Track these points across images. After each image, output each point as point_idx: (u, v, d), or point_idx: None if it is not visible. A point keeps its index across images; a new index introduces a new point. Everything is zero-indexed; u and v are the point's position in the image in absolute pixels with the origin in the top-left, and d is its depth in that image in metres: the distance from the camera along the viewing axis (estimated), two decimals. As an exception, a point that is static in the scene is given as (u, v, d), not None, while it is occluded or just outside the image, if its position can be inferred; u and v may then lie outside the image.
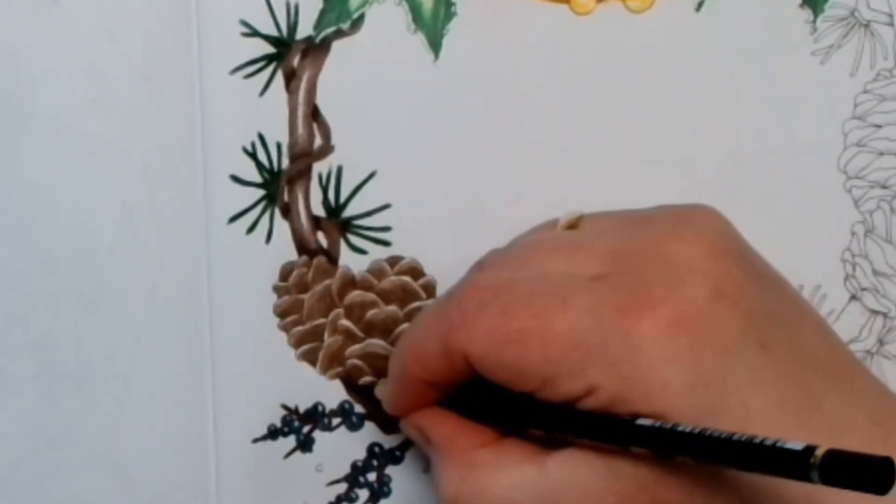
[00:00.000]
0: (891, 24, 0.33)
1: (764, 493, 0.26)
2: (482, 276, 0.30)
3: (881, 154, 0.33)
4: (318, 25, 0.34)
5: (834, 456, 0.22)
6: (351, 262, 0.34)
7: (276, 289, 0.34)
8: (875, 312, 0.34)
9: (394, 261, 0.34)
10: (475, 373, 0.28)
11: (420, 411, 0.31)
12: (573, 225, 0.31)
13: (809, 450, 0.23)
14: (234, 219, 0.34)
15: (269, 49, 0.34)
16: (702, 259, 0.27)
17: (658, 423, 0.25)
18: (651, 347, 0.26)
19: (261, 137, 0.34)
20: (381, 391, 0.33)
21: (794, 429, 0.25)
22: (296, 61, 0.34)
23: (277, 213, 0.34)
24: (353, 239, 0.34)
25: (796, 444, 0.23)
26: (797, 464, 0.23)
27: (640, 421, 0.26)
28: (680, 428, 0.25)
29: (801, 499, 0.25)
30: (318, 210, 0.34)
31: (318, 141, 0.34)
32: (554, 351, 0.27)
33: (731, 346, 0.26)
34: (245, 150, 0.34)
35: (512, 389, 0.28)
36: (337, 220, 0.34)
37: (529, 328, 0.27)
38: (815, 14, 0.33)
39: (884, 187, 0.34)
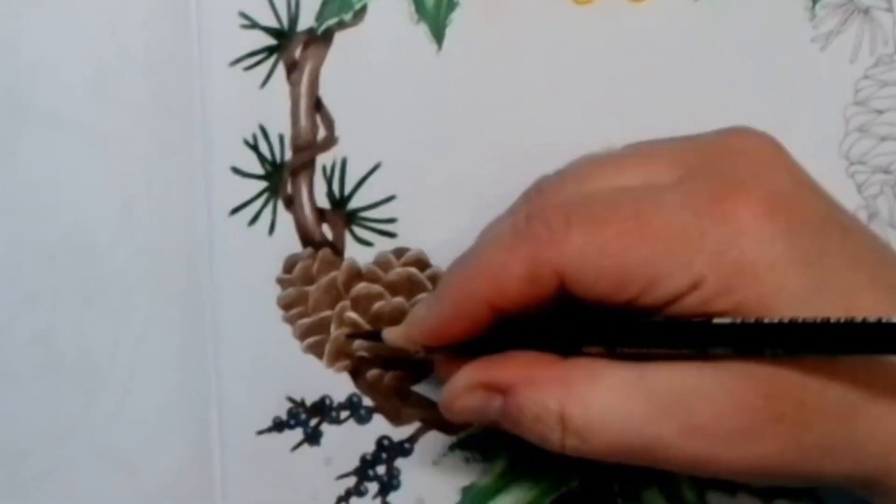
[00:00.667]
0: (890, 10, 0.33)
1: (878, 380, 0.25)
2: (553, 195, 0.28)
3: (883, 139, 0.34)
4: (320, 16, 0.33)
5: None
6: (356, 253, 0.34)
7: (281, 281, 0.34)
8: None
9: (400, 252, 0.34)
10: (559, 294, 0.27)
11: (460, 373, 0.29)
12: None
13: None
14: (235, 211, 0.34)
15: (270, 41, 0.33)
16: (770, 151, 0.28)
17: (740, 320, 0.25)
18: (752, 230, 0.26)
19: (262, 129, 0.34)
20: (405, 329, 0.30)
21: (892, 305, 0.25)
22: (298, 53, 0.33)
23: (280, 205, 0.34)
24: (359, 231, 0.34)
25: None
26: None
27: (717, 320, 0.25)
28: (767, 320, 0.24)
29: None
30: (323, 202, 0.34)
31: (321, 132, 0.34)
32: (656, 249, 0.26)
33: (821, 227, 0.26)
34: (246, 142, 0.34)
35: (608, 303, 0.27)
36: (342, 212, 0.34)
37: (627, 230, 0.26)
38: (814, 0, 0.33)
39: (886, 172, 0.34)
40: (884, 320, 0.23)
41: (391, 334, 0.31)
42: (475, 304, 0.28)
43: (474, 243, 0.30)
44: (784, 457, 0.26)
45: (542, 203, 0.28)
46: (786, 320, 0.24)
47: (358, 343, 0.34)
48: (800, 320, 0.24)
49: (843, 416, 0.25)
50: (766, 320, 0.25)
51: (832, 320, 0.24)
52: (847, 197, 0.34)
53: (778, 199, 0.26)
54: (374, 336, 0.32)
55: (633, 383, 0.26)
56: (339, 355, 0.34)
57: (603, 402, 0.26)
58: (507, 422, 0.28)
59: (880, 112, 0.34)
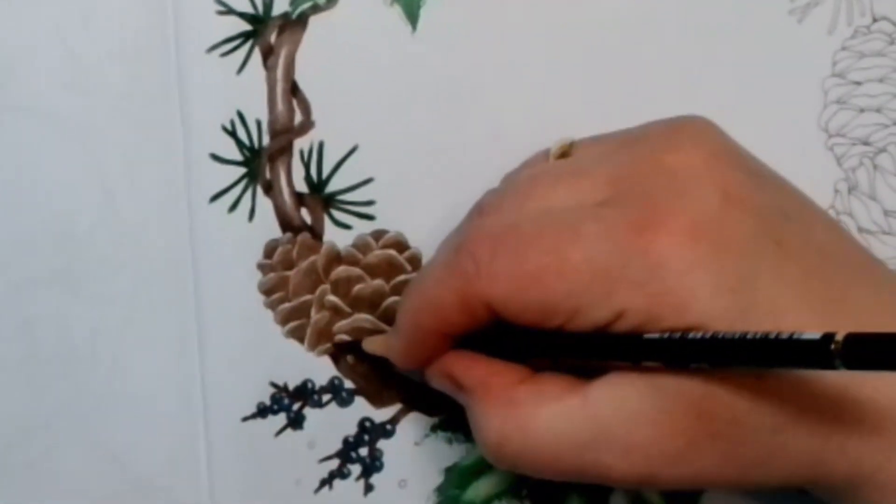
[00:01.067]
0: (867, -19, 0.33)
1: (805, 395, 0.25)
2: (487, 220, 0.29)
3: (862, 111, 0.33)
4: (295, 1, 0.33)
5: (855, 339, 0.21)
6: (335, 237, 0.34)
7: (261, 266, 0.34)
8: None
9: (378, 235, 0.34)
10: (497, 318, 0.28)
11: (446, 357, 0.30)
12: (565, 152, 0.30)
13: (828, 337, 0.22)
14: (215, 197, 0.34)
15: (245, 26, 0.34)
16: (702, 166, 0.27)
17: (667, 334, 0.25)
18: (673, 260, 0.25)
19: (240, 115, 0.34)
20: (384, 347, 0.32)
21: (823, 322, 0.25)
22: (273, 38, 0.33)
23: (259, 190, 0.34)
24: (337, 214, 0.34)
25: (814, 334, 0.22)
26: (818, 353, 0.22)
27: (648, 336, 0.25)
28: (691, 336, 0.25)
29: (841, 395, 0.25)
30: (301, 186, 0.34)
31: (298, 117, 0.34)
32: (575, 283, 0.26)
33: (749, 247, 0.26)
34: (224, 129, 0.34)
35: (541, 327, 0.27)
36: (320, 196, 0.34)
37: (546, 265, 0.27)
38: (792, -26, 0.33)
39: (866, 144, 0.34)
40: (795, 336, 0.23)
41: (370, 345, 0.33)
42: (427, 335, 0.29)
43: (424, 265, 0.31)
44: (721, 471, 0.26)
45: (474, 232, 0.28)
46: (708, 336, 0.24)
47: (338, 326, 0.34)
48: (720, 336, 0.24)
49: (775, 430, 0.26)
50: (690, 336, 0.25)
51: (748, 336, 0.24)
52: (827, 169, 0.34)
53: (702, 223, 0.26)
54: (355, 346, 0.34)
55: (576, 407, 0.27)
56: (320, 339, 0.34)
57: (543, 426, 0.27)
58: (467, 415, 0.29)
59: (858, 84, 0.33)
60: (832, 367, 0.22)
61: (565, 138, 0.31)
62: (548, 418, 0.27)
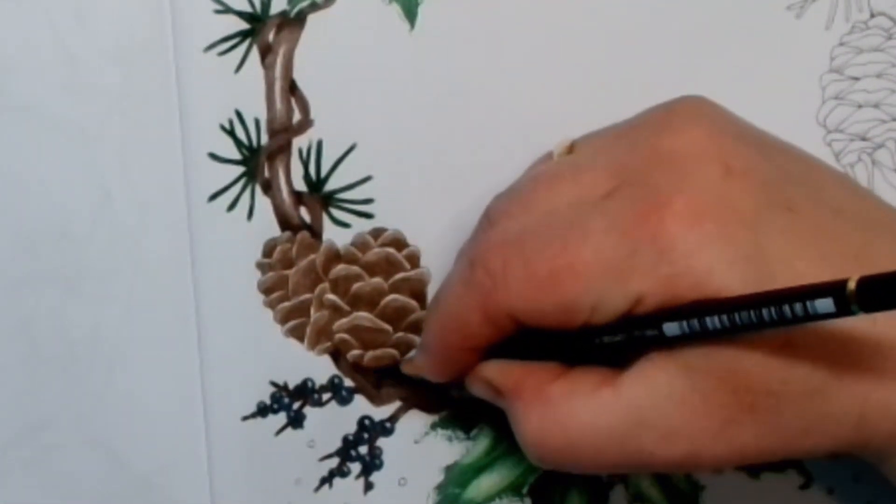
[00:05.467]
0: (864, -23, 0.33)
1: (837, 355, 0.25)
2: (495, 231, 0.29)
3: (860, 106, 0.33)
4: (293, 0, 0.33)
5: (868, 281, 0.21)
6: (334, 235, 0.34)
7: (260, 265, 0.34)
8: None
9: (377, 233, 0.34)
10: (522, 327, 0.28)
11: (482, 365, 0.30)
12: (568, 152, 0.31)
13: (841, 283, 0.22)
14: (214, 197, 0.34)
15: (243, 25, 0.33)
16: (700, 144, 0.27)
17: (679, 307, 0.25)
18: (681, 241, 0.25)
19: (238, 114, 0.34)
20: (416, 367, 0.32)
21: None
22: (271, 36, 0.33)
23: (258, 189, 0.34)
24: (336, 213, 0.34)
25: (827, 283, 0.22)
26: (834, 301, 0.22)
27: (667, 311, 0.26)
28: (706, 301, 0.25)
29: (875, 350, 0.25)
30: (300, 185, 0.34)
31: (296, 115, 0.34)
32: (590, 279, 0.26)
33: (758, 216, 0.26)
34: (223, 128, 0.34)
35: (565, 328, 0.27)
36: (319, 195, 0.34)
37: (559, 267, 0.27)
38: (789, -31, 0.33)
39: (864, 139, 0.34)
40: (807, 288, 0.23)
41: (408, 368, 0.33)
42: (454, 351, 0.30)
43: (445, 279, 0.31)
44: (763, 443, 0.26)
45: (485, 244, 0.29)
46: (722, 300, 0.25)
47: (338, 324, 0.34)
48: (733, 299, 0.24)
49: (812, 395, 0.26)
50: (705, 302, 0.25)
51: (762, 295, 0.24)
52: (825, 165, 0.34)
53: (705, 201, 0.26)
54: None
55: (611, 398, 0.27)
56: (319, 338, 0.34)
57: (581, 420, 0.27)
58: (508, 419, 0.30)
59: (856, 79, 0.33)
60: (850, 312, 0.22)
61: (566, 139, 0.31)
62: (584, 412, 0.27)
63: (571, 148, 0.31)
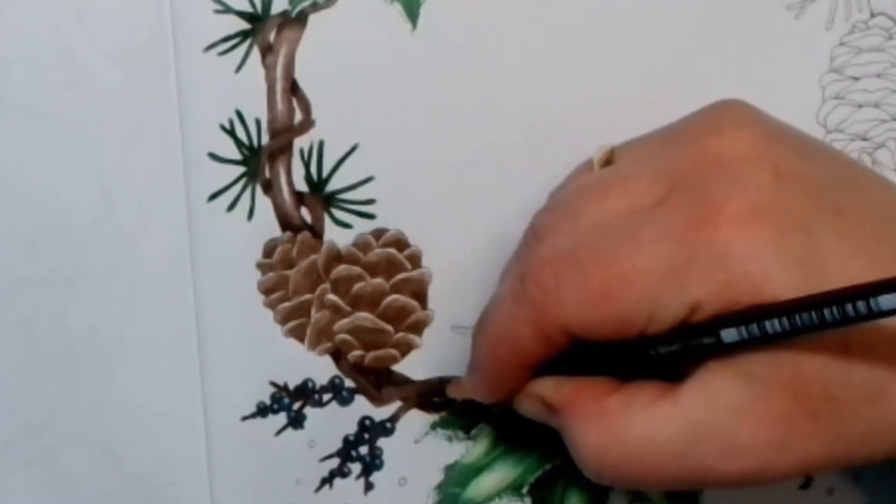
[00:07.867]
0: (864, -23, 0.33)
1: (892, 356, 0.25)
2: (544, 246, 0.29)
3: (860, 106, 0.34)
4: (293, -1, 0.33)
5: None
6: (336, 236, 0.34)
7: (261, 266, 0.34)
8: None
9: (379, 233, 0.34)
10: (575, 341, 0.28)
11: (533, 383, 0.30)
12: (608, 160, 0.30)
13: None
14: (214, 197, 0.34)
15: (244, 25, 0.33)
16: (748, 149, 0.27)
17: (737, 312, 0.25)
18: (737, 246, 0.25)
19: (239, 114, 0.34)
20: (464, 389, 0.32)
21: None
22: (272, 36, 0.33)
23: (259, 189, 0.34)
24: (337, 213, 0.34)
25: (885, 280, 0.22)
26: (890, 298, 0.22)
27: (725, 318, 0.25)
28: (764, 307, 0.25)
29: None
30: (301, 185, 0.34)
31: (298, 116, 0.34)
32: (645, 288, 0.26)
33: (811, 220, 0.26)
34: (223, 128, 0.34)
35: (621, 339, 0.27)
36: (320, 195, 0.34)
37: (613, 278, 0.26)
38: (789, -30, 0.33)
39: (864, 139, 0.34)
40: (864, 287, 0.23)
41: (454, 392, 0.33)
42: (507, 370, 0.29)
43: (492, 297, 0.30)
44: (828, 451, 0.26)
45: (535, 259, 0.28)
46: (780, 304, 0.24)
47: (338, 325, 0.34)
48: (792, 303, 0.24)
49: (871, 400, 0.25)
50: (763, 307, 0.25)
51: (819, 297, 0.24)
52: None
53: (759, 205, 0.26)
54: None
55: (669, 411, 0.27)
56: (320, 338, 0.34)
57: (639, 435, 0.27)
58: (563, 436, 0.29)
59: (856, 79, 0.33)
60: None
61: (605, 145, 0.30)
62: (643, 426, 0.27)
63: (611, 154, 0.30)
